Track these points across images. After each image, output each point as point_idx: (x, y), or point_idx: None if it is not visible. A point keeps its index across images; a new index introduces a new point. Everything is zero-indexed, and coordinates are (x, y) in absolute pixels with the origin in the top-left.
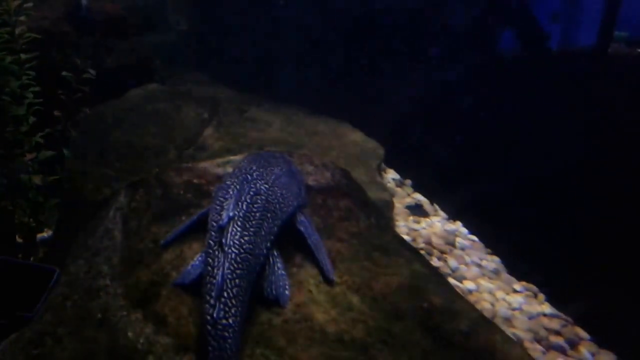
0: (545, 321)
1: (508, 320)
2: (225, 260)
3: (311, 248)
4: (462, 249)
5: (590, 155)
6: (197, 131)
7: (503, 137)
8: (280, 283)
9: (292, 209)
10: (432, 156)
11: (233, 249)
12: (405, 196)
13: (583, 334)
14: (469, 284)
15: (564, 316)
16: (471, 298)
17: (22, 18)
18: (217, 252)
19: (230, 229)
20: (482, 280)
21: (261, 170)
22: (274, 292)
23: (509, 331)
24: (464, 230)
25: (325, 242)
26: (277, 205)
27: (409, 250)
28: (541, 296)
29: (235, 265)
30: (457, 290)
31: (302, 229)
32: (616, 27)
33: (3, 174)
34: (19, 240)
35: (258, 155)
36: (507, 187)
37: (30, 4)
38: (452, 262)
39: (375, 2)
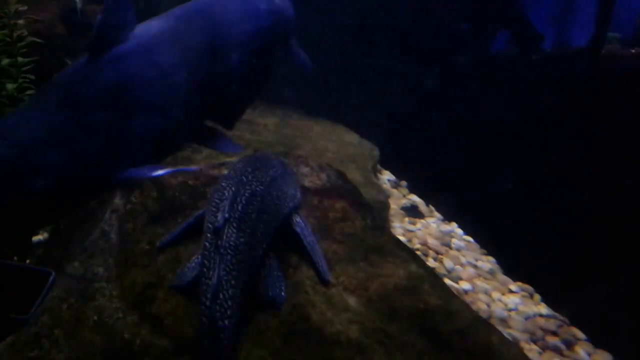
0: (542, 321)
1: (504, 320)
2: (221, 262)
3: (307, 249)
4: (458, 249)
5: (585, 155)
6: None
7: (498, 138)
8: (277, 284)
9: (287, 211)
10: (428, 157)
11: (229, 250)
12: (400, 197)
13: (579, 334)
14: (464, 285)
15: (560, 316)
16: (467, 298)
17: (21, 21)
18: (213, 254)
19: (226, 231)
20: (478, 280)
21: (257, 172)
22: (270, 293)
23: (505, 332)
24: (460, 231)
25: (321, 244)
26: (273, 207)
27: (405, 251)
28: (537, 296)
29: (231, 267)
30: (453, 290)
31: (298, 230)
32: (610, 27)
33: None
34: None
35: (253, 157)
36: (503, 187)
37: (25, 7)
38: (448, 263)
39: (371, 2)
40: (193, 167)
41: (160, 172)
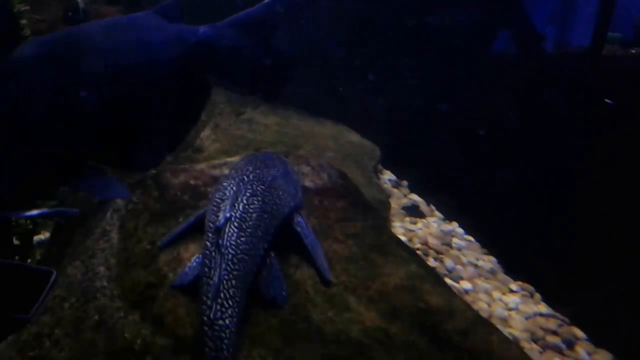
0: (542, 321)
1: (504, 320)
2: (222, 261)
3: (308, 249)
4: (459, 249)
5: (586, 155)
6: (194, 133)
7: (498, 137)
8: (277, 284)
9: (288, 210)
10: (429, 157)
11: (230, 249)
12: (401, 197)
13: (580, 333)
14: (465, 284)
15: (560, 316)
16: (468, 298)
17: (24, 21)
18: (214, 253)
19: (227, 230)
20: (479, 280)
21: (257, 171)
22: (271, 292)
23: (505, 331)
24: (460, 231)
25: (322, 243)
26: (274, 206)
27: (405, 251)
28: (537, 296)
29: (232, 266)
30: (454, 290)
31: (298, 229)
32: (611, 28)
33: None
34: (16, 242)
35: (254, 156)
36: (503, 187)
37: (27, 7)
38: (449, 263)
39: (373, 2)
40: (73, 210)
41: (33, 212)
